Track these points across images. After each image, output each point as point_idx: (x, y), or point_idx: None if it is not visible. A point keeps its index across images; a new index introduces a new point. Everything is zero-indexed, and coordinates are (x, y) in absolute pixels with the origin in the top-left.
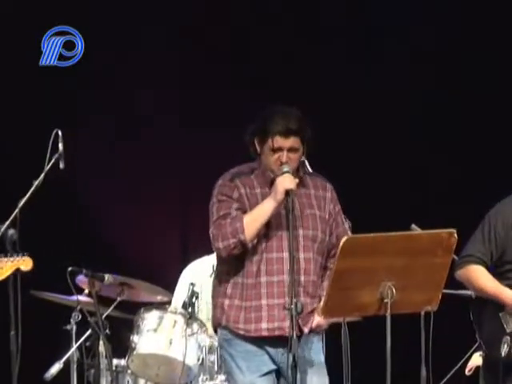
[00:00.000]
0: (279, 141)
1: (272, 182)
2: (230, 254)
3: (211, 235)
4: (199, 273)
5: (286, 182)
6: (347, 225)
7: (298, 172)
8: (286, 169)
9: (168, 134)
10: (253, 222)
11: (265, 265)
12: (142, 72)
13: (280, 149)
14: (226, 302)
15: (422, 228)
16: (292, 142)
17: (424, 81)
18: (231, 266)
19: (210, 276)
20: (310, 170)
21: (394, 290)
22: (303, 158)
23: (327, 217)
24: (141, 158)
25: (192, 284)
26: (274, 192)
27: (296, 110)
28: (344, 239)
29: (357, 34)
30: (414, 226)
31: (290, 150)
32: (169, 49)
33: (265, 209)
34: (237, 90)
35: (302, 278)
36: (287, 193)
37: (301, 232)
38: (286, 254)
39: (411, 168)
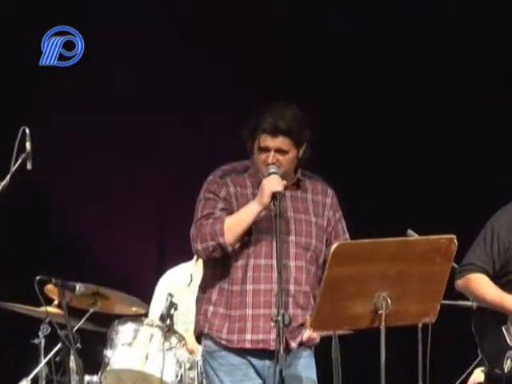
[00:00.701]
0: (266, 140)
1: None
2: (209, 257)
3: (191, 235)
4: (176, 282)
5: (272, 184)
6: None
7: (295, 174)
8: (272, 170)
9: (151, 134)
10: (235, 224)
11: (252, 271)
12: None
13: (267, 148)
14: (210, 308)
15: (420, 234)
16: (280, 142)
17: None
18: (217, 271)
19: (188, 285)
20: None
21: (388, 301)
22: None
23: (325, 224)
24: (116, 158)
25: (170, 295)
26: (260, 195)
27: (294, 109)
28: (335, 245)
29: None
30: (410, 231)
31: (279, 151)
32: (168, 49)
33: (248, 212)
34: (224, 90)
35: (292, 288)
36: (274, 196)
37: (292, 238)
38: (275, 261)
39: (410, 170)
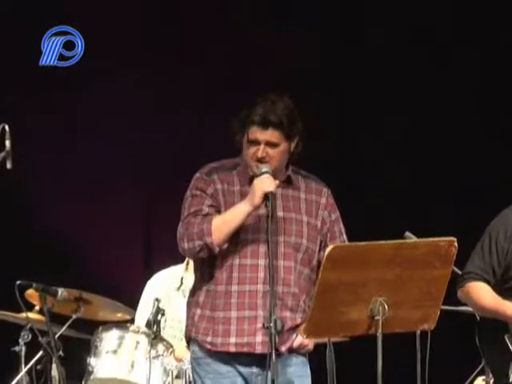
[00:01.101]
0: (256, 132)
1: (251, 180)
2: (195, 257)
3: (178, 234)
4: (165, 286)
5: (264, 184)
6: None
7: (286, 170)
8: (265, 169)
9: (141, 133)
10: (223, 224)
11: (237, 272)
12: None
13: (257, 141)
14: (198, 312)
15: (418, 236)
16: (270, 135)
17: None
18: (204, 273)
19: (178, 289)
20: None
21: (386, 306)
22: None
23: (319, 225)
24: (101, 159)
25: (157, 300)
26: (251, 195)
27: (286, 101)
28: (329, 248)
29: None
30: (408, 233)
31: (269, 144)
32: (169, 48)
33: (238, 212)
34: (221, 91)
35: (280, 289)
36: (266, 196)
37: (281, 238)
38: (261, 261)
39: (410, 170)
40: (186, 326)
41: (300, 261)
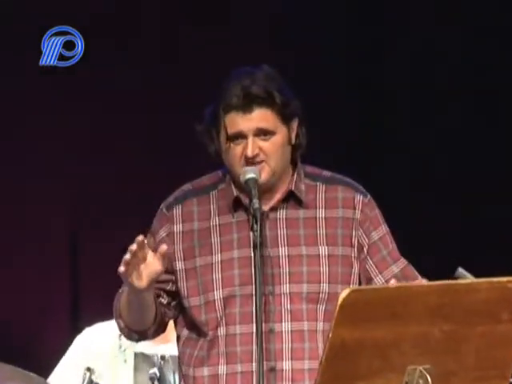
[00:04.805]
0: (236, 120)
1: (235, 202)
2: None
3: None
4: (100, 347)
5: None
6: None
7: (292, 173)
8: (250, 175)
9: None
10: (124, 306)
11: (224, 346)
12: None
13: (241, 134)
14: None
15: (476, 275)
16: (259, 117)
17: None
18: (180, 348)
19: (120, 350)
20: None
21: (429, 379)
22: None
23: (352, 254)
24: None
25: (89, 370)
26: None
27: (267, 69)
28: (344, 293)
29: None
30: (461, 269)
31: (260, 133)
32: (168, 49)
33: (125, 291)
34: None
35: (288, 366)
36: (254, 216)
37: (285, 289)
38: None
39: (461, 196)
40: None
41: (324, 316)
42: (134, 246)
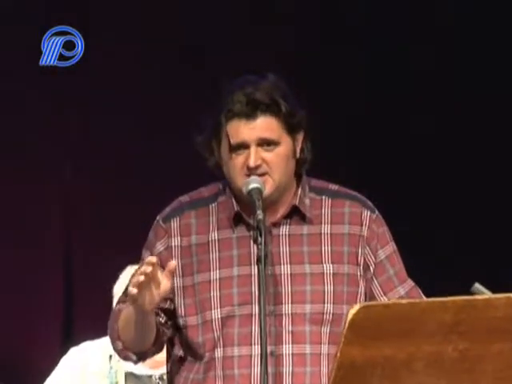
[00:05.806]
0: (239, 129)
1: (236, 216)
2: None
3: None
4: (88, 369)
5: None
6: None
7: (297, 188)
8: (254, 185)
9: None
10: (125, 328)
11: (220, 369)
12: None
13: (243, 144)
14: None
15: (494, 290)
16: (263, 126)
17: None
18: (173, 371)
19: (111, 371)
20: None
21: None
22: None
23: (358, 272)
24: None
25: None
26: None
27: (273, 78)
28: (354, 310)
29: None
30: (478, 285)
31: (263, 143)
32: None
33: (124, 313)
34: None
35: None
36: (258, 228)
37: (287, 309)
38: (255, 350)
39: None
40: None
41: (328, 338)
42: (148, 269)
